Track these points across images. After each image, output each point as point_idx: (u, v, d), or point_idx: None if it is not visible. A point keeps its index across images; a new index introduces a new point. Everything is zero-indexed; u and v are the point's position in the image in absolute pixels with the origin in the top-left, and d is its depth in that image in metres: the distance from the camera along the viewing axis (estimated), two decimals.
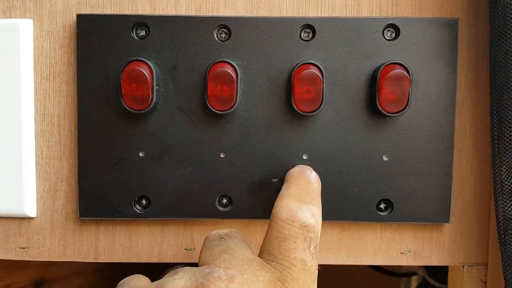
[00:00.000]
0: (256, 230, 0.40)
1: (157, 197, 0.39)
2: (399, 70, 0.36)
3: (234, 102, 0.37)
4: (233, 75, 0.36)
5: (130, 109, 0.37)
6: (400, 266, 0.70)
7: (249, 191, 0.39)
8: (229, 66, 0.37)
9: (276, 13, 0.38)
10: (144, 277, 0.33)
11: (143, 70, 0.36)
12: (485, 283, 0.40)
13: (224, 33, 0.38)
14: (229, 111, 0.37)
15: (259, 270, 0.30)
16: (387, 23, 0.37)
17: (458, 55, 0.38)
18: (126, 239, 0.40)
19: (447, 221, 0.39)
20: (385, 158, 0.38)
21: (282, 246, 0.31)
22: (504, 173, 0.36)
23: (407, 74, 0.36)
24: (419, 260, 0.40)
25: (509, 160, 0.35)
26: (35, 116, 0.39)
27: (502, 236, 0.36)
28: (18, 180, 0.39)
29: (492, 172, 0.37)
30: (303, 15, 0.38)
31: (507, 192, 0.36)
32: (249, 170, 0.39)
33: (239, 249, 0.31)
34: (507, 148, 0.35)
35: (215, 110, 0.37)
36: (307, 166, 0.37)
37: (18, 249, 0.40)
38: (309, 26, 0.37)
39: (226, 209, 0.39)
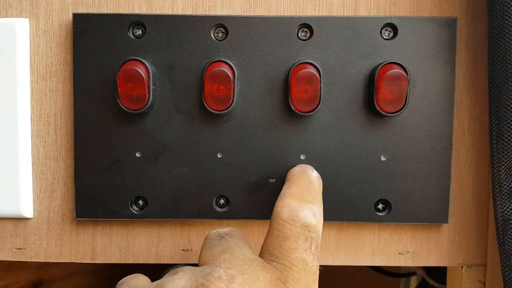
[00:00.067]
0: (254, 230, 0.40)
1: (154, 198, 0.39)
2: (397, 70, 0.36)
3: (231, 102, 0.37)
4: (230, 74, 0.36)
5: (126, 109, 0.36)
6: (399, 267, 0.69)
7: (246, 191, 0.39)
8: (226, 66, 0.36)
9: (273, 12, 0.38)
10: (144, 276, 0.33)
11: (139, 70, 0.36)
12: (484, 283, 0.40)
13: (221, 32, 0.37)
14: (226, 111, 0.37)
15: (260, 270, 0.29)
16: (385, 23, 0.37)
17: (457, 55, 0.38)
18: (123, 239, 0.40)
19: (446, 221, 0.39)
20: (383, 158, 0.38)
21: (283, 246, 0.31)
22: (502, 173, 0.35)
23: (405, 73, 0.36)
24: (417, 261, 0.40)
25: (508, 160, 0.35)
26: (31, 116, 0.39)
27: (501, 236, 0.36)
28: (14, 181, 0.38)
29: (490, 172, 0.37)
30: (301, 15, 0.38)
31: (506, 192, 0.35)
32: (246, 170, 0.38)
33: (239, 249, 0.31)
34: (505, 148, 0.35)
35: (212, 110, 0.37)
36: (308, 165, 0.37)
37: (14, 250, 0.40)
38: (306, 26, 0.37)
39: (224, 209, 0.39)
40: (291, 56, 0.37)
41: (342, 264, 0.40)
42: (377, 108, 0.36)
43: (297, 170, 0.36)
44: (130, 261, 0.40)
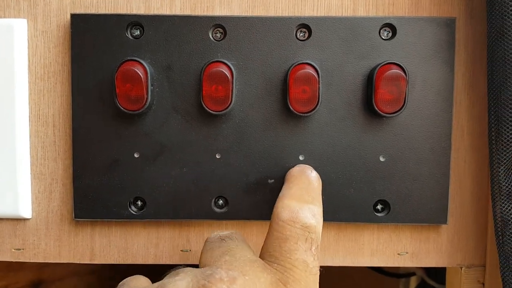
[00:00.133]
0: (253, 231, 0.40)
1: (153, 198, 0.39)
2: (395, 70, 0.35)
3: (229, 102, 0.36)
4: (229, 75, 0.36)
5: (124, 110, 0.36)
6: (398, 267, 0.69)
7: (245, 192, 0.38)
8: (224, 66, 0.36)
9: (271, 12, 0.38)
10: (145, 278, 0.33)
11: (137, 70, 0.35)
12: (483, 284, 0.40)
13: (220, 32, 0.37)
14: (225, 111, 0.37)
15: (260, 271, 0.29)
16: (383, 23, 0.37)
17: (456, 55, 0.38)
18: (122, 240, 0.40)
19: (445, 222, 0.39)
20: (381, 159, 0.38)
21: (283, 247, 0.31)
22: (501, 173, 0.35)
23: (403, 74, 0.36)
24: (416, 262, 0.40)
25: (507, 160, 0.35)
26: (29, 116, 0.39)
27: (500, 237, 0.36)
28: (13, 181, 0.38)
29: (489, 173, 0.37)
30: (299, 15, 0.38)
31: (505, 193, 0.35)
32: (245, 171, 0.38)
33: (240, 251, 0.31)
34: (504, 148, 0.35)
35: (210, 111, 0.37)
36: (308, 166, 0.37)
37: (13, 250, 0.40)
38: (305, 26, 0.37)
39: (222, 210, 0.39)
40: (289, 56, 0.37)
41: (341, 264, 0.40)
42: (376, 108, 0.36)
43: (296, 170, 0.36)
44: (129, 261, 0.40)
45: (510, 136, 0.34)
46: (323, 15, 0.38)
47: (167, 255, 0.40)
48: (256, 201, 0.39)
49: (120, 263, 0.40)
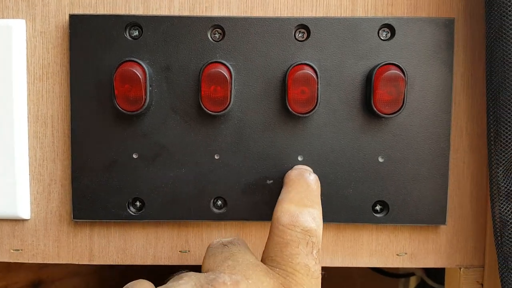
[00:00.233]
0: (251, 232, 0.40)
1: (151, 199, 0.38)
2: (394, 71, 0.35)
3: (228, 103, 0.36)
4: (227, 75, 0.36)
5: (123, 110, 0.36)
6: (398, 267, 0.69)
7: (244, 192, 0.38)
8: (223, 67, 0.36)
9: (270, 13, 0.38)
10: (148, 282, 0.33)
11: (136, 71, 0.35)
12: (482, 285, 0.40)
13: (218, 33, 0.37)
14: (223, 112, 0.37)
15: (263, 275, 0.29)
16: (382, 23, 0.37)
17: (454, 55, 0.38)
18: (121, 241, 0.40)
19: (443, 222, 0.39)
20: (380, 160, 0.38)
21: (285, 252, 0.31)
22: (500, 174, 0.35)
23: (402, 74, 0.35)
24: (415, 262, 0.40)
25: (506, 161, 0.35)
26: (28, 117, 0.39)
27: (499, 238, 0.36)
28: (12, 182, 0.38)
29: (488, 174, 0.37)
30: (298, 15, 0.38)
31: (504, 193, 0.35)
32: (243, 172, 0.38)
33: (242, 255, 0.31)
34: (503, 149, 0.35)
35: (209, 111, 0.37)
36: (306, 167, 0.37)
37: (12, 251, 0.40)
38: (303, 26, 0.37)
39: (221, 211, 0.39)
40: (288, 57, 0.37)
41: (340, 265, 0.40)
42: (375, 109, 0.36)
43: (294, 173, 0.36)
44: (128, 262, 0.40)
45: (509, 137, 0.34)
46: (321, 15, 0.38)
47: (166, 255, 0.40)
48: (255, 201, 0.39)
49: (119, 263, 0.40)
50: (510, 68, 0.34)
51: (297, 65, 0.36)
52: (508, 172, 0.35)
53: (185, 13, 0.38)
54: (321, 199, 0.37)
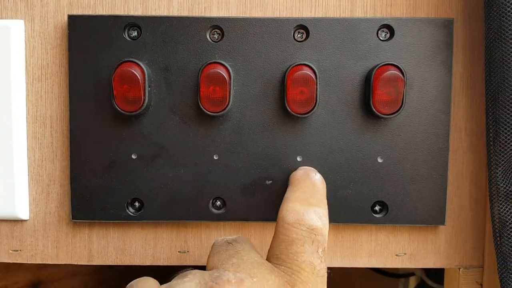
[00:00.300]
0: (250, 232, 0.40)
1: (150, 200, 0.38)
2: (393, 71, 0.35)
3: (227, 103, 0.36)
4: (226, 76, 0.36)
5: (122, 111, 0.36)
6: (397, 267, 0.69)
7: (243, 193, 0.38)
8: (221, 67, 0.36)
9: (269, 13, 0.38)
10: (153, 279, 0.33)
11: (134, 71, 0.35)
12: (481, 285, 0.40)
13: (217, 33, 0.37)
14: (222, 112, 0.37)
15: (268, 273, 0.29)
16: (381, 24, 0.37)
17: (454, 56, 0.38)
18: (120, 241, 0.40)
19: (443, 223, 0.39)
20: (379, 160, 0.38)
21: (290, 250, 0.31)
22: (499, 175, 0.35)
23: (401, 75, 0.35)
24: (414, 263, 0.40)
25: (505, 161, 0.35)
26: (27, 118, 0.39)
27: (498, 238, 0.36)
28: (10, 183, 0.38)
29: (487, 174, 0.37)
30: (297, 16, 0.38)
31: (503, 194, 0.35)
32: (242, 172, 0.38)
33: (247, 254, 0.31)
34: (502, 149, 0.35)
35: (208, 112, 0.37)
36: (311, 168, 0.37)
37: (11, 251, 0.40)
38: (302, 27, 0.37)
39: (220, 211, 0.39)
40: (287, 57, 0.37)
41: (339, 265, 0.40)
42: (374, 109, 0.36)
43: (300, 173, 0.36)
44: (127, 263, 0.40)
45: (508, 138, 0.34)
46: (320, 16, 0.38)
47: (165, 256, 0.40)
48: (254, 202, 0.38)
49: (118, 264, 0.40)
50: (509, 69, 0.33)
51: (296, 65, 0.36)
52: (507, 173, 0.35)
53: (184, 13, 0.38)
54: None
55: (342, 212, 0.39)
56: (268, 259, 0.32)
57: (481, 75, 0.38)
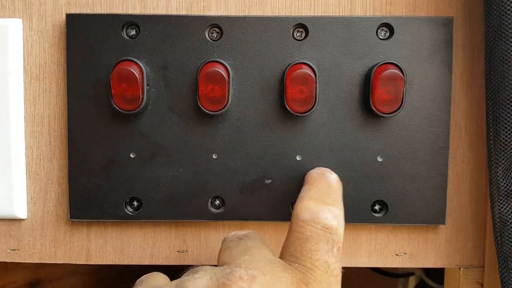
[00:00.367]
0: None
1: (149, 199, 0.38)
2: (393, 70, 0.35)
3: (226, 102, 0.36)
4: (225, 75, 0.36)
5: (120, 110, 0.36)
6: (397, 267, 0.69)
7: (242, 192, 0.38)
8: (220, 66, 0.36)
9: (268, 12, 0.38)
10: (163, 275, 0.33)
11: (133, 70, 0.35)
12: (482, 285, 0.40)
13: (216, 32, 0.37)
14: (221, 111, 0.36)
15: (281, 271, 0.29)
16: (381, 22, 0.37)
17: (453, 55, 0.37)
18: (118, 241, 0.40)
19: (443, 222, 0.39)
20: (379, 159, 0.38)
21: (304, 247, 0.30)
22: (500, 174, 0.35)
23: (401, 74, 0.35)
24: (414, 262, 0.40)
25: (505, 160, 0.35)
26: (25, 117, 0.39)
27: (499, 238, 0.36)
28: (8, 181, 0.38)
29: (488, 173, 0.36)
30: (296, 15, 0.38)
31: (503, 193, 0.35)
32: (242, 171, 0.38)
33: (259, 251, 0.31)
34: (503, 148, 0.35)
35: (206, 111, 0.36)
36: (327, 168, 0.37)
37: (8, 251, 0.40)
38: (302, 26, 0.37)
39: (219, 210, 0.39)
40: (286, 56, 0.37)
41: None
42: (373, 108, 0.36)
43: (316, 172, 0.36)
44: (125, 262, 0.40)
45: (508, 137, 0.34)
46: (320, 14, 0.38)
47: (164, 255, 0.40)
48: (253, 201, 0.38)
49: (116, 263, 0.40)
50: (509, 68, 0.33)
51: (295, 64, 0.36)
52: (508, 172, 0.35)
53: (183, 12, 0.38)
54: None
55: None
56: (281, 256, 0.32)
57: (481, 74, 0.38)
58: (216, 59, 0.36)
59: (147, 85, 0.37)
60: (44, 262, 0.40)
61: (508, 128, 0.34)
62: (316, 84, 0.36)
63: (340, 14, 0.38)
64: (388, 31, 0.37)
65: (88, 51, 0.37)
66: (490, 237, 0.39)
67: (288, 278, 0.29)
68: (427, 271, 0.61)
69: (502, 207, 0.35)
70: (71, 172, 0.38)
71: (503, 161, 0.35)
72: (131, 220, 0.39)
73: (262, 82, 0.37)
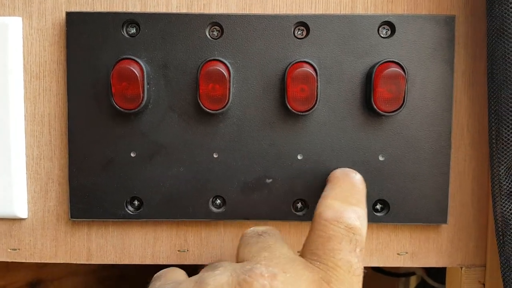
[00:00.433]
0: None
1: (149, 198, 0.38)
2: (394, 69, 0.35)
3: (226, 101, 0.36)
4: (226, 73, 0.36)
5: (120, 109, 0.36)
6: (398, 266, 0.69)
7: (243, 191, 0.38)
8: (221, 65, 0.36)
9: (269, 10, 0.38)
10: (181, 270, 0.33)
11: (133, 69, 0.35)
12: (484, 284, 0.40)
13: (216, 30, 0.37)
14: (222, 110, 0.36)
15: (302, 269, 0.29)
16: (382, 21, 0.37)
17: (455, 53, 0.37)
18: (119, 240, 0.40)
19: (445, 221, 0.38)
20: (381, 158, 0.38)
21: (327, 246, 0.30)
22: (502, 172, 0.35)
23: (402, 72, 0.35)
24: (416, 261, 0.40)
25: (507, 159, 0.35)
26: (25, 116, 0.38)
27: (501, 237, 0.35)
28: (8, 181, 0.38)
29: (490, 172, 0.36)
30: (297, 13, 0.38)
31: (506, 192, 0.35)
32: (242, 171, 0.38)
33: (279, 248, 0.31)
34: (505, 147, 0.34)
35: (207, 110, 0.36)
36: (351, 169, 0.37)
37: (9, 250, 0.40)
38: (303, 24, 0.37)
39: (220, 210, 0.39)
40: (287, 54, 0.37)
41: None
42: (375, 107, 0.36)
43: (340, 172, 0.36)
44: (126, 262, 0.40)
45: (511, 135, 0.34)
46: (321, 12, 0.38)
47: (165, 255, 0.40)
48: (254, 201, 0.38)
49: (117, 263, 0.40)
50: (511, 66, 0.33)
51: (296, 62, 0.36)
52: (510, 171, 0.35)
53: (183, 10, 0.38)
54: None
55: None
56: (302, 254, 0.31)
57: (483, 72, 0.38)
58: (217, 58, 0.36)
59: (148, 83, 0.36)
60: (45, 261, 0.40)
61: (510, 126, 0.34)
62: (317, 82, 0.35)
63: (341, 12, 0.38)
64: (389, 29, 0.37)
65: (88, 50, 0.37)
66: (492, 236, 0.39)
67: (309, 276, 0.29)
68: (428, 270, 0.61)
69: (504, 206, 0.35)
70: (71, 171, 0.38)
71: (505, 160, 0.35)
72: (132, 219, 0.39)
73: (263, 81, 0.37)
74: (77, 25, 0.37)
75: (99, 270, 0.71)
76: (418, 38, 0.37)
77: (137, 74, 0.35)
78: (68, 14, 0.37)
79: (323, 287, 0.28)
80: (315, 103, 0.36)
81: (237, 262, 0.31)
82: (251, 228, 0.34)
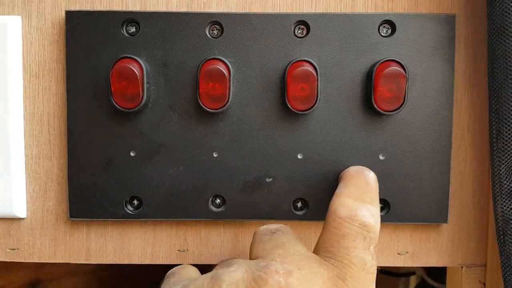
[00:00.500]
0: (251, 231, 0.40)
1: (149, 198, 0.38)
2: (395, 67, 0.35)
3: (226, 100, 0.36)
4: (225, 72, 0.35)
5: (120, 108, 0.36)
6: (398, 266, 0.69)
7: (242, 191, 0.38)
8: (221, 64, 0.36)
9: (269, 9, 0.38)
10: (193, 267, 0.33)
11: (133, 68, 0.35)
12: (484, 284, 0.40)
13: (216, 29, 0.37)
14: (222, 109, 0.36)
15: (316, 266, 0.29)
16: (382, 19, 0.36)
17: (456, 52, 0.37)
18: (118, 240, 0.40)
19: (445, 221, 0.38)
20: (381, 157, 0.38)
21: (341, 244, 0.30)
22: (503, 172, 0.35)
23: (403, 71, 0.35)
24: (416, 261, 0.40)
25: (508, 159, 0.34)
26: (24, 115, 0.38)
27: (501, 236, 0.35)
28: (7, 180, 0.38)
29: (490, 171, 0.36)
30: (297, 11, 0.37)
31: (506, 192, 0.35)
32: (242, 170, 0.38)
33: (293, 245, 0.31)
34: (505, 147, 0.34)
35: (207, 109, 0.36)
36: (364, 167, 0.37)
37: (8, 250, 0.40)
38: (303, 23, 0.37)
39: (220, 209, 0.38)
40: (287, 53, 0.37)
41: None
42: (375, 106, 0.36)
43: (353, 169, 0.36)
44: (125, 261, 0.40)
45: (511, 134, 0.34)
46: (321, 11, 0.37)
47: (164, 255, 0.40)
48: (254, 200, 0.38)
49: (116, 263, 0.40)
50: None
51: (296, 61, 0.36)
52: (511, 170, 0.35)
53: (183, 9, 0.38)
54: (321, 197, 0.36)
55: None
56: (316, 251, 0.31)
57: (483, 72, 0.38)
58: (217, 57, 0.36)
59: (147, 82, 0.36)
60: (44, 261, 0.40)
61: (511, 126, 0.34)
62: (317, 81, 0.35)
63: (342, 11, 0.37)
64: (390, 28, 0.37)
65: (87, 49, 0.37)
66: (492, 235, 0.39)
67: (324, 273, 0.29)
68: (429, 270, 0.61)
69: (504, 206, 0.35)
70: (70, 170, 0.38)
71: (506, 159, 0.35)
72: (131, 219, 0.38)
73: (263, 80, 0.37)
74: (76, 24, 0.37)
75: (99, 270, 0.71)
76: (419, 37, 0.37)
77: (137, 73, 0.35)
78: (68, 13, 0.37)
79: (338, 284, 0.29)
80: (315, 102, 0.36)
81: (251, 259, 0.31)
82: (264, 226, 0.34)
